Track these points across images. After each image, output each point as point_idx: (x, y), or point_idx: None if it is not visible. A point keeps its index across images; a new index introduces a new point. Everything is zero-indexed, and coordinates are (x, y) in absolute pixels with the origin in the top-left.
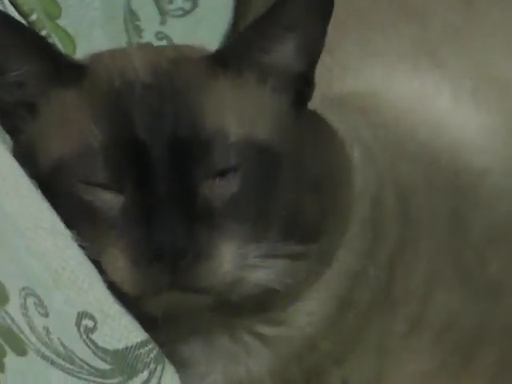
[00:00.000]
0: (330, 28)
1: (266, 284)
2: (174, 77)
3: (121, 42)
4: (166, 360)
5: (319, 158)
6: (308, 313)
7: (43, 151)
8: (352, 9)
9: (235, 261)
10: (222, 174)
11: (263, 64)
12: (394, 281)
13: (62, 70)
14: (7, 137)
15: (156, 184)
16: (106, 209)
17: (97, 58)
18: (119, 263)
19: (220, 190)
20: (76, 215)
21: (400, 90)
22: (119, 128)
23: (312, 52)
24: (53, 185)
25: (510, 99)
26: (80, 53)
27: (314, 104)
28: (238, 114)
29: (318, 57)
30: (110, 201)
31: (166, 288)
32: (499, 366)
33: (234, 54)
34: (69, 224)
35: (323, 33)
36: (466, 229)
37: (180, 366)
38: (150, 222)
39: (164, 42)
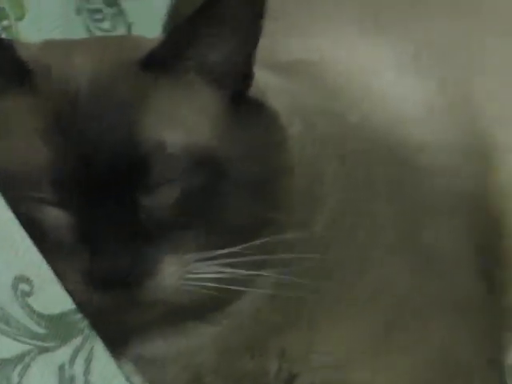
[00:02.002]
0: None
1: (211, 287)
2: (112, 89)
3: (69, 7)
4: None
5: (259, 156)
6: (250, 303)
7: None
8: None
9: (179, 272)
10: (162, 185)
11: (200, 63)
12: (330, 250)
13: (4, 73)
14: None
15: (98, 202)
16: (53, 225)
17: (42, 55)
18: (69, 278)
19: (160, 202)
20: (43, 241)
21: (346, 59)
22: (63, 143)
23: (248, 47)
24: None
25: (447, 65)
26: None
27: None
28: (176, 123)
29: (255, 50)
30: (56, 218)
31: (113, 301)
32: (427, 347)
33: (170, 55)
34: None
35: (258, 28)
36: (406, 198)
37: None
38: (94, 244)
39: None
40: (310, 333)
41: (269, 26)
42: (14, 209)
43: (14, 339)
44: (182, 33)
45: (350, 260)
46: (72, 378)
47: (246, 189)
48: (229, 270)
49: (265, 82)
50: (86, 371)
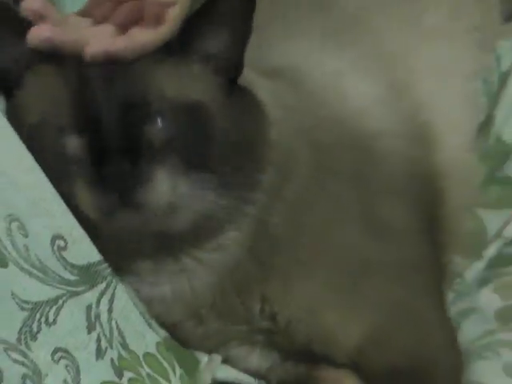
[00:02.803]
0: (261, 15)
1: (198, 211)
2: (127, 67)
3: None
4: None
5: (244, 122)
6: (235, 241)
7: (28, 112)
8: (278, 2)
9: (169, 185)
10: (160, 120)
11: (201, 51)
12: (301, 216)
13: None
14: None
15: (108, 129)
16: (72, 149)
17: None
18: (83, 192)
19: (159, 134)
20: (52, 159)
21: (316, 67)
22: (83, 92)
23: (240, 42)
24: (34, 137)
25: (393, 70)
26: None
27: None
28: (176, 84)
29: (246, 45)
30: (74, 142)
31: (116, 206)
32: (384, 295)
33: (176, 45)
34: (47, 169)
35: (249, 26)
36: (365, 179)
37: (132, 276)
38: (103, 158)
39: None
40: (286, 282)
41: (255, 38)
42: (45, 145)
43: (51, 285)
44: (187, 29)
45: (317, 225)
46: (97, 316)
47: (229, 140)
48: (211, 193)
49: (251, 79)
50: (110, 309)
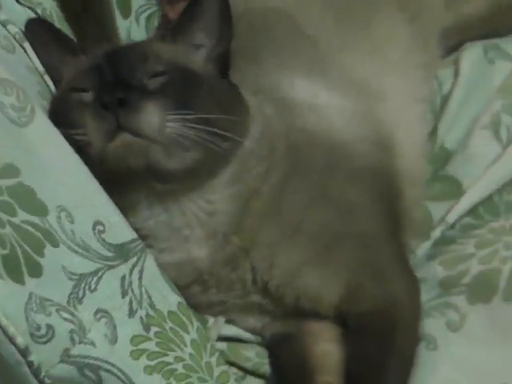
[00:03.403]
0: (260, 51)
1: (187, 148)
2: (137, 44)
3: None
4: (148, 250)
5: (229, 98)
6: (228, 201)
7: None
8: (269, 37)
9: (159, 116)
10: (156, 74)
11: (191, 41)
12: (283, 198)
13: (73, 49)
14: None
15: (112, 84)
16: (85, 102)
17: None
18: (90, 122)
19: (152, 80)
20: (75, 112)
21: (296, 89)
22: (97, 64)
23: (223, 36)
24: (65, 101)
25: (363, 95)
26: None
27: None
28: (172, 53)
29: (229, 41)
30: (87, 97)
31: (115, 129)
32: (354, 259)
33: (171, 35)
34: (74, 123)
35: (227, 23)
36: (336, 171)
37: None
38: (104, 92)
39: None
40: (272, 254)
41: (254, 68)
42: (70, 102)
43: (92, 261)
44: (178, 25)
45: (297, 205)
46: (130, 283)
47: (215, 99)
48: (200, 132)
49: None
50: (140, 278)
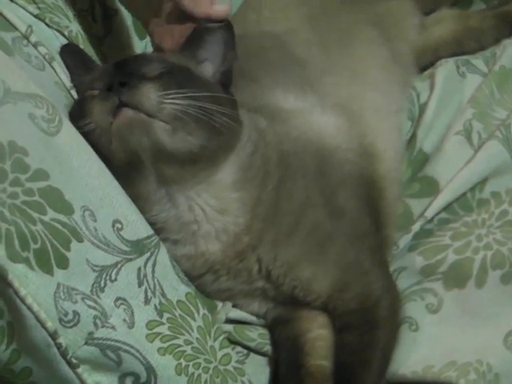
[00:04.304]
0: (253, 69)
1: (187, 130)
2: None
3: None
4: (162, 245)
5: (226, 101)
6: (237, 202)
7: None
8: (264, 59)
9: (158, 94)
10: (156, 65)
11: (198, 56)
12: (280, 202)
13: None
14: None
15: (117, 75)
16: (94, 95)
17: None
18: (95, 109)
19: (153, 71)
20: (85, 105)
21: (292, 105)
22: (106, 68)
23: (227, 60)
24: (79, 101)
25: (348, 109)
26: None
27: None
28: (177, 58)
29: (232, 59)
30: (96, 92)
31: (117, 106)
32: (343, 258)
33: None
34: (85, 113)
35: (231, 45)
36: (326, 177)
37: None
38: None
39: None
40: (274, 248)
41: (252, 87)
42: (86, 98)
43: (112, 254)
44: (187, 44)
45: (294, 208)
46: (145, 275)
47: (210, 94)
48: (197, 103)
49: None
50: (153, 271)
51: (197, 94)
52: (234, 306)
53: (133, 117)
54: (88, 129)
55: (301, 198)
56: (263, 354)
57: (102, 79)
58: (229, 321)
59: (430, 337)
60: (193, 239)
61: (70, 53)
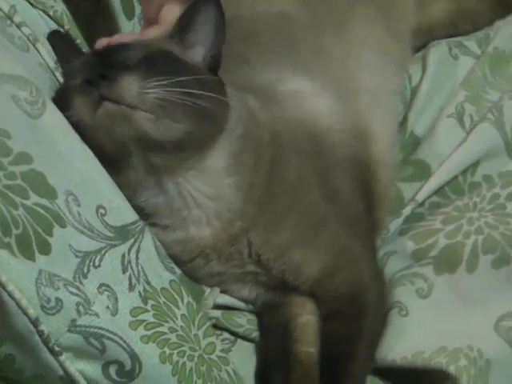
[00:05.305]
0: (246, 51)
1: (171, 117)
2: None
3: None
4: (146, 229)
5: (211, 83)
6: (229, 187)
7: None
8: (257, 40)
9: (138, 84)
10: (138, 62)
11: (188, 40)
12: (273, 184)
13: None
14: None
15: (96, 66)
16: (75, 86)
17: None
18: (77, 103)
19: (132, 58)
20: (67, 96)
21: (282, 85)
22: (86, 58)
23: (216, 45)
24: (60, 91)
25: (341, 90)
26: None
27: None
28: (160, 43)
29: (221, 44)
30: (76, 83)
31: (98, 100)
32: (335, 242)
33: (171, 34)
34: (67, 106)
35: (221, 28)
36: (320, 159)
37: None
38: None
39: None
40: (265, 232)
41: (244, 68)
42: (71, 87)
43: (96, 240)
44: (177, 27)
45: (287, 191)
46: (129, 261)
47: (200, 82)
48: (179, 89)
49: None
50: (137, 257)
51: (179, 79)
52: (224, 291)
53: (114, 109)
54: (72, 120)
55: (294, 177)
56: (251, 341)
57: (83, 71)
58: (217, 306)
59: (420, 322)
60: (183, 225)
61: (57, 39)
